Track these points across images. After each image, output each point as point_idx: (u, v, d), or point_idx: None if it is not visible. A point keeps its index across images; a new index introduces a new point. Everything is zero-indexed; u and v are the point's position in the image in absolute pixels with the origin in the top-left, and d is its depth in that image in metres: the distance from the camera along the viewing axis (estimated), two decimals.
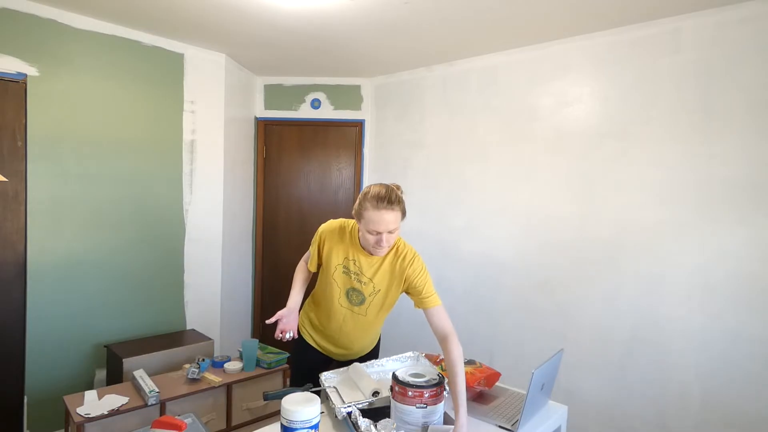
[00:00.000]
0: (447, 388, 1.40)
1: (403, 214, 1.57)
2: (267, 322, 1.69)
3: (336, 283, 1.73)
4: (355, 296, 1.73)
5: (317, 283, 1.86)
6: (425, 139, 3.37)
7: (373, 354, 1.99)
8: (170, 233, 3.01)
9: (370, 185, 1.60)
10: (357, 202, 1.61)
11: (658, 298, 2.36)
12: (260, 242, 3.81)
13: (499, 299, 2.98)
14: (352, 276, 1.70)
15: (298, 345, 1.95)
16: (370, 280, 1.69)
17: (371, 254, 1.66)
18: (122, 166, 2.77)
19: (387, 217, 1.51)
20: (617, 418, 2.49)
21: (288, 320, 1.72)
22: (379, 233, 1.53)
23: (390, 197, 1.52)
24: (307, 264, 1.86)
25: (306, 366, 1.91)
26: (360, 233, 1.63)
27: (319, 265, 1.81)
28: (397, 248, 1.69)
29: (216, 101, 3.17)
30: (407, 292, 1.70)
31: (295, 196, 3.80)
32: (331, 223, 1.75)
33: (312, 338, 1.93)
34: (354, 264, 1.69)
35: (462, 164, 3.16)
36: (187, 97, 3.05)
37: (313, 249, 1.79)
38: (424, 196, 3.38)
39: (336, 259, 1.70)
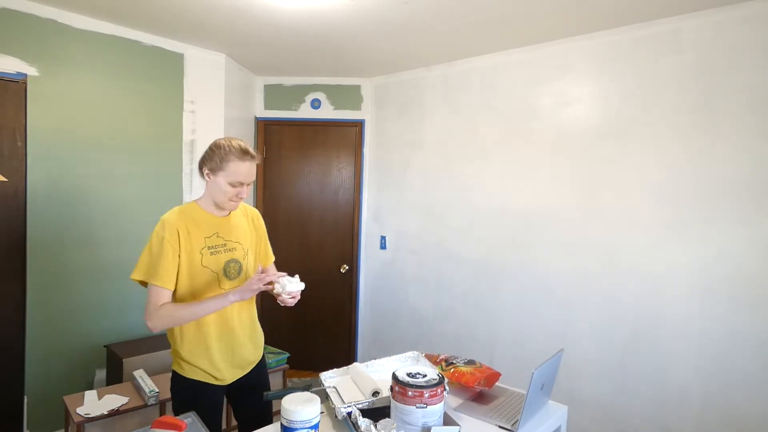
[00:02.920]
0: (447, 387, 1.39)
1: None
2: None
3: (209, 269, 1.58)
4: (233, 268, 1.64)
5: (177, 296, 1.57)
6: (425, 139, 3.37)
7: (262, 362, 1.80)
8: None
9: (223, 139, 1.60)
10: (210, 152, 1.58)
11: (659, 298, 2.36)
12: None
13: (500, 299, 2.98)
14: (221, 250, 1.61)
15: (189, 396, 1.61)
16: (238, 242, 1.66)
17: (222, 210, 1.64)
18: (122, 166, 2.77)
19: (251, 168, 1.57)
20: (617, 418, 2.49)
21: (253, 282, 1.51)
22: (242, 184, 1.57)
23: (251, 150, 1.59)
24: (160, 300, 1.50)
25: (210, 411, 1.62)
26: (212, 188, 1.59)
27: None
28: (243, 206, 1.77)
29: (216, 101, 3.17)
30: None
31: (295, 196, 3.80)
32: (171, 217, 1.56)
33: (201, 370, 1.60)
34: (217, 237, 1.61)
35: (462, 164, 3.16)
36: (187, 97, 3.05)
37: (165, 259, 1.49)
38: (424, 196, 3.38)
39: (197, 244, 1.57)
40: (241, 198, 1.60)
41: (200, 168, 1.62)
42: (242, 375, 1.71)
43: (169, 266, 1.51)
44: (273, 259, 1.86)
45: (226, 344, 1.63)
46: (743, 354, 2.13)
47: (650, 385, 2.39)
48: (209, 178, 1.59)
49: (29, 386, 2.47)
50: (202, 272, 1.57)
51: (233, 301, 1.52)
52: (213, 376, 1.62)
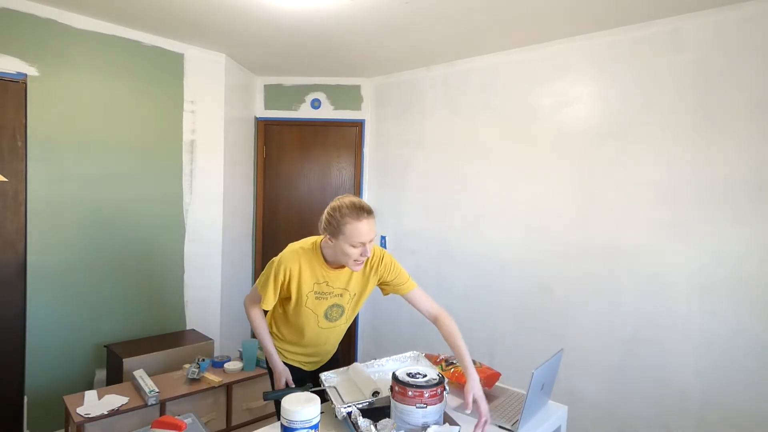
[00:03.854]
0: (447, 387, 1.39)
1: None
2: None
3: (311, 310, 1.68)
4: (335, 312, 1.72)
5: (286, 311, 1.74)
6: (425, 139, 3.37)
7: (335, 356, 1.96)
8: (170, 233, 3.01)
9: (336, 199, 1.58)
10: (328, 217, 1.56)
11: (658, 298, 2.36)
12: (260, 242, 3.81)
13: (500, 299, 2.97)
14: (327, 296, 1.67)
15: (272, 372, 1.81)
16: (345, 289, 1.69)
17: (350, 268, 1.62)
18: (122, 166, 2.77)
19: (370, 226, 1.52)
20: (617, 418, 2.49)
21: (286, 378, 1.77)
22: (363, 244, 1.52)
23: (366, 206, 1.54)
24: (258, 305, 1.72)
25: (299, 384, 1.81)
26: (335, 250, 1.57)
27: (286, 297, 1.71)
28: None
29: (216, 101, 3.17)
30: (381, 285, 1.75)
31: (295, 196, 3.80)
32: (292, 251, 1.63)
33: (286, 354, 1.81)
34: (326, 285, 1.65)
35: (462, 164, 3.16)
36: (187, 97, 3.05)
37: (270, 288, 1.63)
38: (424, 196, 3.38)
39: (306, 287, 1.63)
40: (366, 257, 1.54)
41: (322, 230, 1.60)
42: (323, 363, 1.90)
43: (272, 295, 1.65)
44: (414, 286, 1.74)
45: (312, 354, 1.83)
46: (743, 354, 2.13)
47: (650, 385, 2.39)
48: (331, 242, 1.56)
49: (29, 386, 2.47)
50: (305, 311, 1.68)
51: (275, 368, 1.75)
52: (301, 367, 1.83)
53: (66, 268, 2.58)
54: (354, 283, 1.70)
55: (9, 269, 2.39)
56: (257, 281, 1.71)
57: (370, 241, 1.53)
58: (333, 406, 1.46)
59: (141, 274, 2.89)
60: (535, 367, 1.44)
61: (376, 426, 1.29)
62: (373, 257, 1.69)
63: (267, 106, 3.74)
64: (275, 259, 1.65)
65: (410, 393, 1.32)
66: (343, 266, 1.65)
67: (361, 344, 3.82)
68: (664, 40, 2.33)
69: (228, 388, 2.46)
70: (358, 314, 3.79)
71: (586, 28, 2.51)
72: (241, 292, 3.62)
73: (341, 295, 1.69)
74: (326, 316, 1.71)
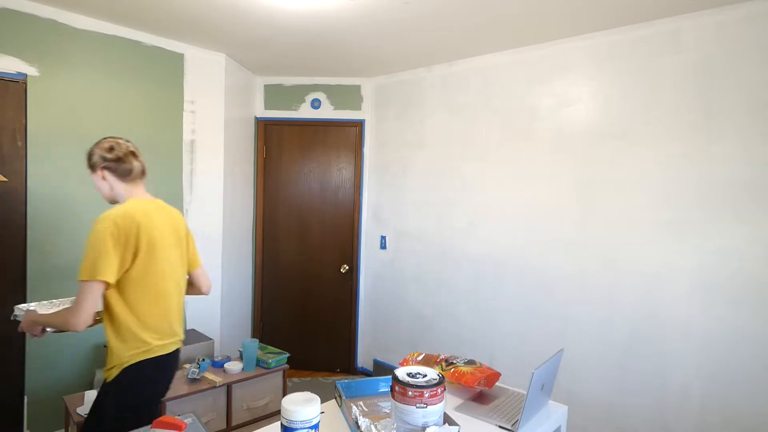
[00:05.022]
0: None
1: (91, 168, 1.64)
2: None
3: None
4: None
5: (135, 280, 1.56)
6: (425, 139, 3.37)
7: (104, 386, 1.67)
8: None
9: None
10: None
11: (659, 298, 2.36)
12: (260, 242, 3.81)
13: (500, 299, 2.98)
14: None
15: (136, 383, 1.57)
16: None
17: None
18: None
19: None
20: (617, 418, 2.49)
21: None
22: None
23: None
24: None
25: (158, 394, 1.66)
26: None
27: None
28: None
29: (216, 101, 3.17)
30: None
31: (296, 196, 3.80)
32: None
33: (149, 349, 1.58)
34: None
35: (462, 164, 3.16)
36: (187, 97, 3.05)
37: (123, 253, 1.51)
38: (424, 196, 3.38)
39: None
40: None
41: None
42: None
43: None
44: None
45: (160, 322, 1.72)
46: (743, 354, 2.13)
47: (650, 385, 2.39)
48: None
49: (29, 386, 2.47)
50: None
51: None
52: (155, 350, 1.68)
53: (66, 268, 2.58)
54: None
55: (9, 269, 2.39)
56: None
57: None
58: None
59: None
60: (535, 367, 1.44)
61: (376, 426, 1.29)
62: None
63: (267, 106, 3.74)
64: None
65: (410, 393, 1.32)
66: None
67: (361, 344, 3.82)
68: (664, 40, 2.33)
69: (228, 388, 2.46)
70: (357, 314, 3.79)
71: (586, 28, 2.51)
72: (241, 292, 3.62)
73: None
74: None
